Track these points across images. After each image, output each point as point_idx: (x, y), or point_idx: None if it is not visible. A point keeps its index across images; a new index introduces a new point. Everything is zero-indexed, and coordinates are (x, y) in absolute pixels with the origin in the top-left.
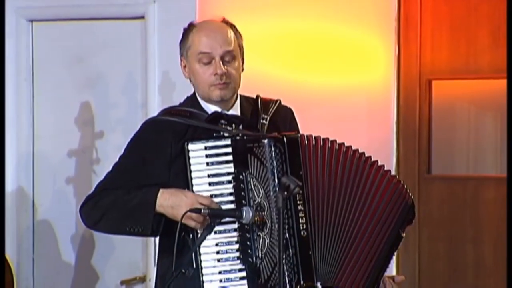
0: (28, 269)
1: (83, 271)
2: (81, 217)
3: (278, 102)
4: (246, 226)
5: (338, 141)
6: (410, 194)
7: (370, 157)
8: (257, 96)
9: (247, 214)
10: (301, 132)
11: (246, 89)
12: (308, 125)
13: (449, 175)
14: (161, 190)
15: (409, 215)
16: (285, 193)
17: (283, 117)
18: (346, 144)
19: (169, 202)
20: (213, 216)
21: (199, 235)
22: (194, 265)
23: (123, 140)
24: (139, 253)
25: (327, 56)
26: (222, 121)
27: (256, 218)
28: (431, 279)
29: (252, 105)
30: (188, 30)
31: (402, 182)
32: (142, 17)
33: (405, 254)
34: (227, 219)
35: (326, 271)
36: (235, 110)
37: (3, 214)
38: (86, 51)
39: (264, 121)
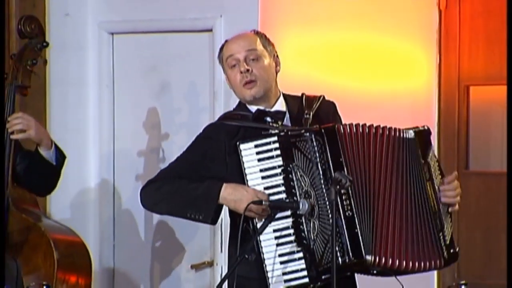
0: (109, 254)
1: (158, 256)
2: (141, 197)
3: (322, 98)
4: (299, 219)
5: (369, 124)
6: (412, 128)
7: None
8: (302, 94)
9: (303, 206)
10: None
11: (300, 92)
12: None
13: (485, 171)
14: (224, 185)
15: (418, 144)
16: (338, 187)
17: (326, 111)
18: (375, 125)
19: (232, 196)
20: (273, 208)
21: (258, 225)
22: (256, 251)
23: (186, 142)
24: (207, 241)
25: (376, 64)
26: (267, 119)
27: (308, 205)
28: (469, 264)
29: (298, 102)
30: (223, 46)
31: (394, 129)
32: (210, 30)
33: None
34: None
35: (372, 244)
36: (279, 107)
37: (3, 214)
38: (159, 61)
39: (307, 116)
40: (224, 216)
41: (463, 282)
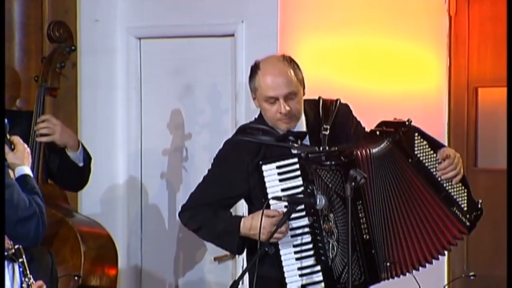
0: (137, 247)
1: (182, 248)
2: (181, 221)
3: (338, 103)
4: (316, 231)
5: (383, 144)
6: (390, 135)
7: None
8: (319, 98)
9: (320, 201)
10: (360, 122)
11: (318, 94)
12: (373, 127)
13: (492, 168)
14: (242, 220)
15: (400, 148)
16: (353, 183)
17: (343, 118)
18: (385, 145)
19: (249, 228)
20: (291, 203)
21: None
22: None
23: (208, 141)
24: None
25: (389, 67)
26: (290, 138)
27: (325, 226)
28: (477, 256)
29: (314, 111)
30: (254, 71)
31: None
32: (232, 35)
33: None
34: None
35: (385, 262)
36: (301, 125)
37: (3, 214)
38: (184, 64)
39: (325, 132)
40: (245, 210)
41: (471, 273)
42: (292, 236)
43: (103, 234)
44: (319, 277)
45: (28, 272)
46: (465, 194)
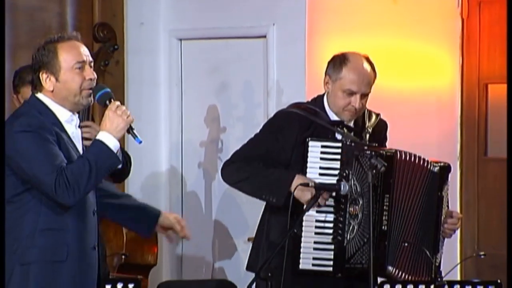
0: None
1: (220, 230)
2: (222, 174)
3: (379, 116)
4: (341, 212)
5: (417, 154)
6: (438, 164)
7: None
8: (366, 108)
9: (344, 187)
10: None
11: None
12: (393, 119)
13: (501, 157)
14: (296, 175)
15: (440, 180)
16: (374, 171)
17: (380, 129)
18: (414, 154)
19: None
20: (318, 188)
21: (305, 206)
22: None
23: (242, 134)
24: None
25: (407, 65)
26: (339, 127)
27: (350, 209)
28: (487, 237)
29: (361, 115)
30: (342, 62)
31: (426, 161)
32: (264, 37)
33: (467, 218)
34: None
35: (394, 258)
36: (351, 121)
37: (3, 213)
38: (220, 63)
39: (367, 131)
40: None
41: (482, 253)
42: (318, 211)
43: None
44: (330, 255)
45: None
46: (441, 255)
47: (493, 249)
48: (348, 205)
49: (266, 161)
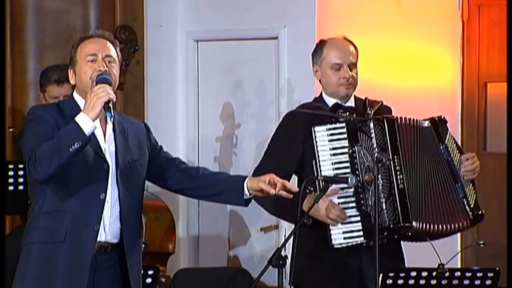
0: (195, 219)
1: (234, 221)
2: None
3: (381, 102)
4: (358, 183)
5: (413, 118)
6: (428, 119)
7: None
8: (365, 98)
9: (351, 180)
10: None
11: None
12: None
13: (499, 152)
14: (307, 197)
15: (435, 132)
16: (379, 164)
17: (384, 111)
18: (407, 117)
19: (307, 205)
20: (326, 181)
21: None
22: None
23: (255, 130)
24: None
25: (411, 65)
26: (340, 111)
27: (366, 177)
28: (486, 227)
29: (362, 103)
30: (321, 45)
31: (417, 120)
32: (276, 38)
33: None
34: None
35: (417, 213)
36: (351, 103)
37: (3, 213)
38: (234, 63)
39: (369, 112)
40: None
41: (481, 242)
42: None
43: (161, 206)
44: (359, 225)
45: None
46: (474, 194)
47: (492, 239)
48: (363, 175)
49: (281, 170)
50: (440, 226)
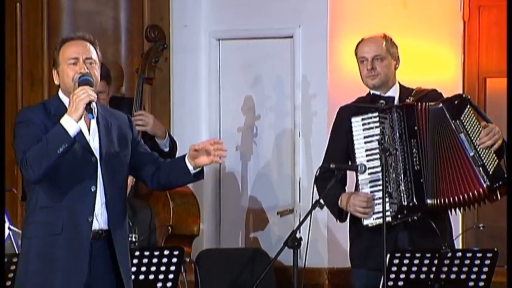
0: (217, 205)
1: (254, 205)
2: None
3: (432, 90)
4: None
5: (437, 104)
6: (446, 98)
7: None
8: (417, 88)
9: (361, 168)
10: None
11: (360, 87)
12: None
13: None
14: (342, 194)
15: (447, 111)
16: (387, 153)
17: (431, 97)
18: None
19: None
20: (338, 169)
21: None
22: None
23: (274, 121)
24: (289, 193)
25: (416, 62)
26: (381, 101)
27: (390, 162)
28: (486, 211)
29: (408, 92)
30: (358, 43)
31: (429, 104)
32: (291, 37)
33: None
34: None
35: (433, 190)
36: (392, 93)
37: (3, 213)
38: (253, 60)
39: (409, 99)
40: (302, 176)
41: (481, 225)
42: (369, 174)
43: (187, 192)
44: (386, 206)
45: (130, 227)
46: (495, 162)
47: (491, 222)
48: (385, 160)
49: (338, 159)
50: (456, 198)
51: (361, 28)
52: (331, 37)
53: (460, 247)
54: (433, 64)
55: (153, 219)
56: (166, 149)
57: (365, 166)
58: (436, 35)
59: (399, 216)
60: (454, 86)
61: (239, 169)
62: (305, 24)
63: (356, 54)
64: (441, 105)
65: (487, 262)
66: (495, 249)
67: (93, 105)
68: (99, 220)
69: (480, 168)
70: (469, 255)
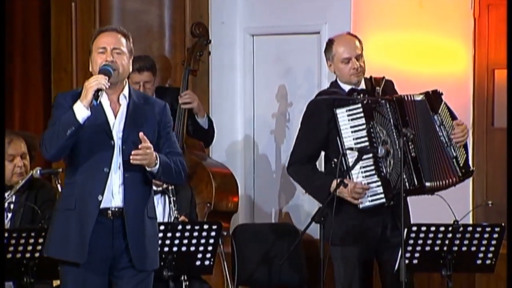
0: (251, 184)
1: (285, 184)
2: (288, 173)
3: (384, 78)
4: (378, 158)
5: (417, 97)
6: (422, 93)
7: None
8: (371, 76)
9: (381, 151)
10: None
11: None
12: None
13: (505, 127)
14: (333, 181)
15: (429, 104)
16: (405, 138)
17: (389, 88)
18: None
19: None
20: (360, 152)
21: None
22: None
23: (304, 107)
24: None
25: (431, 55)
26: (355, 94)
27: (384, 150)
28: (494, 189)
29: (369, 82)
30: (330, 44)
31: (413, 95)
32: (318, 33)
33: (478, 175)
34: None
35: (428, 174)
36: (362, 86)
37: (4, 213)
38: (283, 54)
39: (378, 90)
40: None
41: (490, 202)
42: (362, 160)
43: (228, 173)
44: (380, 189)
45: (173, 204)
46: (464, 156)
47: (498, 199)
48: (381, 145)
49: (311, 150)
50: (440, 183)
51: (381, 25)
52: (354, 32)
53: (471, 222)
54: (446, 57)
55: (193, 197)
56: (206, 126)
57: (385, 149)
58: (449, 31)
59: (394, 198)
60: (465, 77)
61: (273, 152)
62: (330, 21)
63: (331, 54)
64: (423, 98)
65: (495, 235)
66: (503, 224)
67: (100, 94)
68: (117, 199)
69: (454, 160)
70: (479, 229)
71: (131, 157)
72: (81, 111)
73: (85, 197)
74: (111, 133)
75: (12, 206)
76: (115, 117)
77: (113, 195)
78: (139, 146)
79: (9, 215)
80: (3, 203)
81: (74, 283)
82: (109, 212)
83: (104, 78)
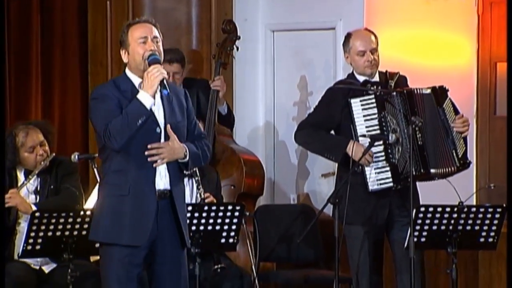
0: (271, 168)
1: (302, 168)
2: (295, 137)
3: (398, 73)
4: (389, 145)
5: (425, 90)
6: (429, 87)
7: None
8: (386, 71)
9: (392, 138)
10: None
11: (393, 69)
12: None
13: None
14: (351, 141)
15: (435, 97)
16: (413, 125)
17: (402, 82)
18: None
19: (351, 149)
20: (372, 138)
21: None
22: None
23: None
24: None
25: (437, 49)
26: (369, 85)
27: (393, 136)
28: (496, 173)
29: (384, 75)
30: (348, 37)
31: (422, 89)
32: (333, 29)
33: (481, 160)
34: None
35: (434, 161)
36: (376, 78)
37: (4, 213)
38: (300, 48)
39: (391, 84)
40: None
41: (492, 184)
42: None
43: (256, 160)
44: (388, 174)
45: (200, 185)
46: (464, 148)
47: (500, 182)
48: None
49: (324, 125)
50: (442, 170)
51: (391, 20)
52: (368, 26)
53: (474, 203)
54: (452, 50)
55: (218, 180)
56: (224, 113)
57: (395, 137)
58: (455, 27)
59: (401, 183)
60: (469, 70)
61: (290, 139)
62: (345, 17)
63: (349, 47)
64: (430, 91)
65: (497, 216)
66: (504, 205)
67: (165, 82)
68: (164, 181)
69: (454, 151)
70: (482, 210)
71: (155, 157)
72: (147, 100)
73: (140, 183)
74: (157, 120)
75: (38, 188)
76: (154, 104)
77: (161, 178)
78: (161, 145)
79: (37, 197)
80: (3, 203)
81: (120, 262)
82: (157, 194)
83: (162, 67)
